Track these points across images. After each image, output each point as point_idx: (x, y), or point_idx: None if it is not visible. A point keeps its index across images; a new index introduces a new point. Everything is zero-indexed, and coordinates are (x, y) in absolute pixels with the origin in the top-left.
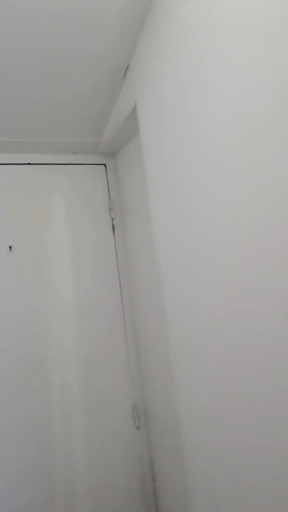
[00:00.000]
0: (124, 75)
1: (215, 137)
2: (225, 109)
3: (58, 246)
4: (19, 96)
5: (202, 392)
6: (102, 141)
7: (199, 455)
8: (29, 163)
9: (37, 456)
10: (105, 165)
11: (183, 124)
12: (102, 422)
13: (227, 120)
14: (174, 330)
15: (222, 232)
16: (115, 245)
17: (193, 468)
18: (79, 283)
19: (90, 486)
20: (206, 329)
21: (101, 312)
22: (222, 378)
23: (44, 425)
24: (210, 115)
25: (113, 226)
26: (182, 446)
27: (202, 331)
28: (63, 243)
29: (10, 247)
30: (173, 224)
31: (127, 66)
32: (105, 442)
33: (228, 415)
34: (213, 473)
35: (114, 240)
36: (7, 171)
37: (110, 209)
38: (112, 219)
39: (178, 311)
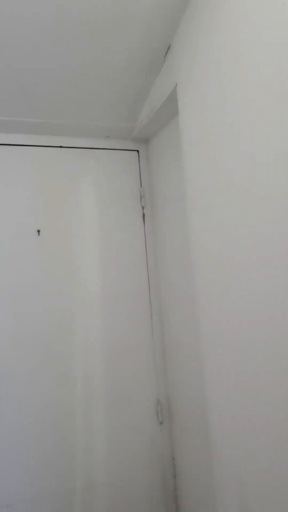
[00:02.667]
0: (165, 55)
1: (260, 123)
2: (271, 94)
3: (86, 232)
4: (53, 76)
5: (236, 388)
6: (136, 126)
7: (229, 454)
8: (61, 146)
9: (57, 447)
10: (138, 151)
11: (227, 109)
12: (124, 416)
13: (273, 106)
14: (206, 323)
15: (265, 224)
16: (144, 234)
17: (221, 468)
18: (106, 271)
19: (109, 480)
20: (243, 322)
21: (127, 303)
22: (258, 374)
23: (66, 417)
24: (255, 101)
25: (144, 214)
26: (210, 444)
27: (237, 324)
28: (91, 230)
29: (38, 231)
30: (212, 214)
31: (169, 46)
32: (127, 436)
33: (263, 413)
34: (243, 474)
35: (144, 229)
36: (38, 153)
37: (141, 197)
38: (142, 208)
39: (212, 304)
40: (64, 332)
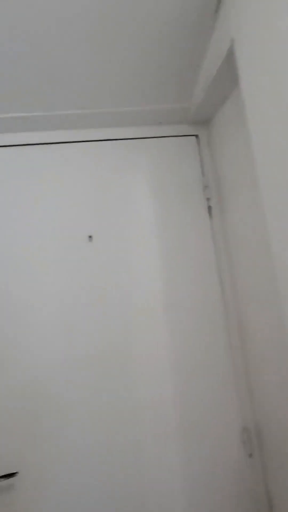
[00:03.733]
0: (216, 11)
1: None
2: None
3: (144, 233)
4: (89, 57)
5: None
6: (192, 105)
7: None
8: (107, 139)
9: (125, 485)
10: (196, 136)
11: None
12: (203, 448)
13: None
14: None
15: None
16: (211, 230)
17: None
18: (168, 277)
19: None
20: None
21: (196, 313)
22: None
23: (131, 451)
24: None
25: (209, 207)
26: None
27: None
28: (149, 231)
29: (90, 237)
30: None
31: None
32: (208, 473)
33: None
34: None
35: (211, 224)
36: (82, 149)
37: (204, 187)
38: (207, 200)
39: None
40: (123, 349)
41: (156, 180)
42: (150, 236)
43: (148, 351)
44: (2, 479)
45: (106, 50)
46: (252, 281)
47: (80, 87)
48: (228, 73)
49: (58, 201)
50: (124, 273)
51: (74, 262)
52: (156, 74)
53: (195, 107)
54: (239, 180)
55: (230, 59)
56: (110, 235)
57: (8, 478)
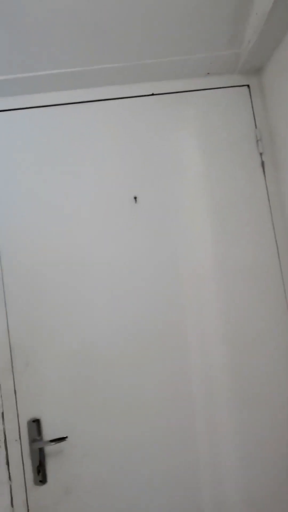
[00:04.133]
0: None
1: None
2: None
3: (192, 193)
4: (132, 5)
5: None
6: (243, 52)
7: None
8: (152, 94)
9: (181, 460)
10: (248, 86)
11: None
12: (258, 421)
13: None
14: None
15: None
16: (266, 187)
17: None
18: (220, 240)
19: (245, 498)
20: None
21: (251, 279)
22: None
23: (186, 417)
24: None
25: (263, 163)
26: None
27: None
28: (198, 190)
29: (135, 198)
30: None
31: None
32: (263, 446)
33: None
34: None
35: (265, 181)
36: (126, 106)
37: (257, 141)
38: (260, 155)
39: None
40: (172, 318)
41: (205, 136)
42: (199, 195)
43: (198, 319)
44: (52, 443)
45: None
46: None
47: (122, 38)
48: (283, 13)
49: (101, 161)
50: (172, 235)
51: (119, 225)
52: (205, 17)
53: (247, 53)
54: None
55: None
56: (156, 196)
57: (58, 443)
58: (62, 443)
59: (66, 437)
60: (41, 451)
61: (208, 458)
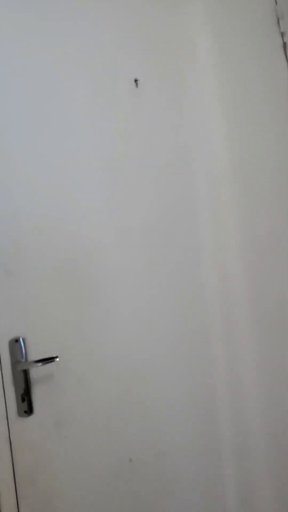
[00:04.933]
0: None
1: None
2: None
3: (201, 78)
4: None
5: None
6: None
7: None
8: None
9: (198, 384)
10: None
11: None
12: (283, 340)
13: None
14: None
15: None
16: (287, 71)
17: None
18: (235, 132)
19: (268, 429)
20: None
21: (272, 177)
22: None
23: (196, 338)
24: None
25: (284, 44)
26: None
27: None
28: (207, 75)
29: (135, 81)
30: None
31: None
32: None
33: None
34: None
35: (287, 64)
36: None
37: (278, 20)
38: (282, 35)
39: None
40: (181, 220)
41: (217, 10)
42: (210, 80)
43: (212, 223)
44: (39, 364)
45: None
46: None
47: None
48: None
49: (94, 39)
50: (181, 126)
51: (116, 114)
52: None
53: None
54: None
55: None
56: (162, 79)
57: (46, 363)
58: (52, 367)
59: (56, 357)
60: (26, 376)
61: (225, 386)
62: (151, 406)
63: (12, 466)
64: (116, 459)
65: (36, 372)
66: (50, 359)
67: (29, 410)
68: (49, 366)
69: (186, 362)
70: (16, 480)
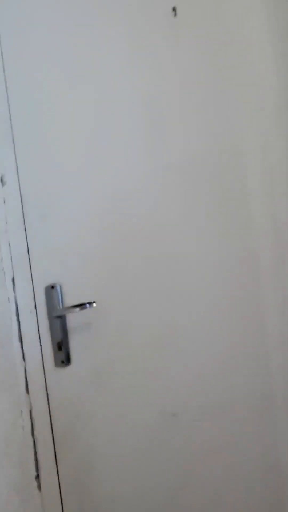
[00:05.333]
0: None
1: None
2: None
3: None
4: None
5: None
6: None
7: None
8: None
9: (247, 330)
10: None
11: None
12: None
13: None
14: None
15: None
16: None
17: None
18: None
19: None
20: None
21: None
22: None
23: (251, 283)
24: None
25: None
26: None
27: None
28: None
29: (173, 9)
30: None
31: None
32: None
33: None
34: None
35: None
36: None
37: None
38: None
39: None
40: (226, 158)
41: None
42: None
43: (263, 162)
44: (76, 309)
45: None
46: None
47: None
48: None
49: None
50: (224, 58)
51: (153, 47)
52: None
53: None
54: None
55: None
56: (203, 12)
57: (84, 309)
58: (89, 314)
59: (94, 302)
60: (63, 324)
61: (280, 329)
62: (195, 355)
63: (50, 421)
64: (159, 413)
65: (73, 320)
66: (88, 305)
67: (66, 360)
68: (87, 313)
69: (233, 306)
70: (54, 437)
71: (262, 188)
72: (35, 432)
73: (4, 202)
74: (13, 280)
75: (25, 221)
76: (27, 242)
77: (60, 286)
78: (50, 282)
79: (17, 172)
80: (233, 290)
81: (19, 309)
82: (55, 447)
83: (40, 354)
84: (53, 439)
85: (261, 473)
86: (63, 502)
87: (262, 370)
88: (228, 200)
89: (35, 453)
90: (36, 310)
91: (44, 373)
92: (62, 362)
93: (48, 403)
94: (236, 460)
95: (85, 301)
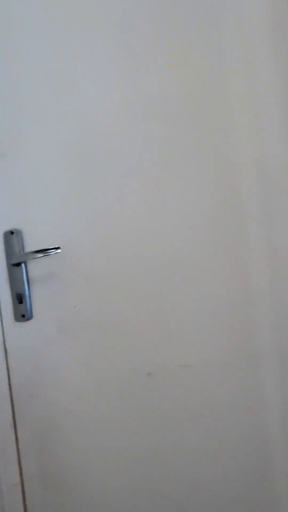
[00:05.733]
0: None
1: None
2: None
3: None
4: None
5: None
6: None
7: None
8: None
9: (232, 283)
10: None
11: None
12: None
13: None
14: None
15: None
16: None
17: None
18: None
19: None
20: None
21: None
22: None
23: (236, 237)
24: None
25: None
26: None
27: None
28: None
29: None
30: None
31: None
32: None
33: None
34: None
35: None
36: None
37: None
38: None
39: None
40: (210, 90)
41: None
42: None
43: (250, 96)
44: (38, 255)
45: None
46: None
47: None
48: None
49: None
50: None
51: None
52: None
53: None
54: None
55: None
56: None
57: (48, 254)
58: (54, 263)
59: (58, 248)
60: (25, 274)
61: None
62: (172, 309)
63: (8, 378)
64: (131, 371)
65: (36, 270)
66: (52, 250)
67: (27, 314)
68: (51, 262)
69: (216, 256)
70: (12, 394)
71: (249, 129)
72: None
73: None
74: None
75: None
76: None
77: (21, 232)
78: (9, 227)
79: None
80: (219, 240)
81: None
82: (13, 406)
83: None
84: (11, 397)
85: (243, 435)
86: (21, 463)
87: (247, 326)
88: (209, 139)
89: None
90: None
91: (3, 328)
92: (23, 316)
93: (6, 359)
94: (216, 423)
95: (49, 246)
